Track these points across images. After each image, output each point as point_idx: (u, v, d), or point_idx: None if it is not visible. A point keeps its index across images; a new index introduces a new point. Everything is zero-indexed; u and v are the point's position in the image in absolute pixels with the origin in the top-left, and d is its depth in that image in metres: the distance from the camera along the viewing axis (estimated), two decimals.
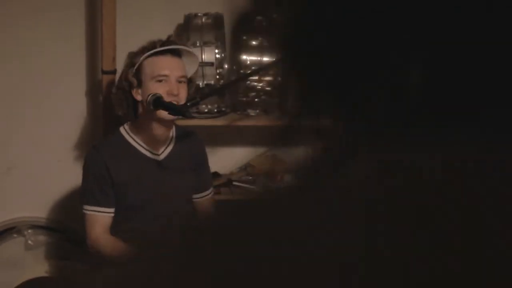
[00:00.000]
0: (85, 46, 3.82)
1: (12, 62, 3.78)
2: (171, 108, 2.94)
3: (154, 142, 3.13)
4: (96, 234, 3.08)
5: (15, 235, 3.88)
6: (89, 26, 3.80)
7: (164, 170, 3.14)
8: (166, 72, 3.02)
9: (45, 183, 3.88)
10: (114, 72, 3.50)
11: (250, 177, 3.83)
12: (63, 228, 3.91)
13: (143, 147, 3.13)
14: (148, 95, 2.98)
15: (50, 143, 3.86)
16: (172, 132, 3.20)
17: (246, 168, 3.93)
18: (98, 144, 3.23)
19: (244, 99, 3.62)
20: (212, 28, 3.59)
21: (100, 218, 3.09)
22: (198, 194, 3.32)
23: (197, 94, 3.19)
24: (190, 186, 3.25)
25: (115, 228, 3.11)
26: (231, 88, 3.61)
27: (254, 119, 3.69)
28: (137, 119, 3.14)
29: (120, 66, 3.43)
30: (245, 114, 3.68)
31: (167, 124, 3.09)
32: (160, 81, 3.01)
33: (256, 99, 3.62)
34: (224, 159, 3.84)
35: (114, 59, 3.49)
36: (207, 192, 3.37)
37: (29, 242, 3.87)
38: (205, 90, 3.45)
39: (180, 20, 3.66)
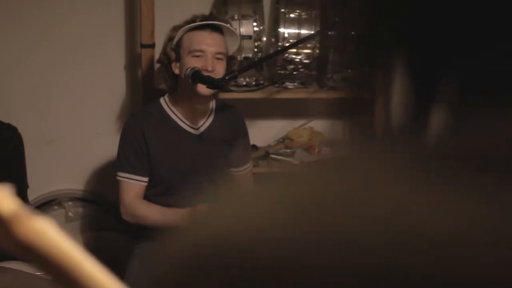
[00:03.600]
0: (123, 19, 3.83)
1: (51, 34, 3.81)
2: (208, 81, 2.93)
3: (193, 115, 3.14)
4: (130, 200, 3.09)
5: (55, 207, 3.92)
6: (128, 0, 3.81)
7: (203, 144, 3.15)
8: (202, 47, 3.01)
9: (85, 155, 3.93)
10: (152, 46, 3.51)
11: (288, 150, 3.84)
12: (102, 200, 3.95)
13: (182, 120, 3.13)
14: (187, 69, 2.98)
15: (89, 116, 3.90)
16: (212, 105, 3.21)
17: (283, 140, 3.94)
18: (137, 113, 3.24)
19: (282, 71, 3.62)
20: (250, 1, 3.57)
21: (134, 185, 3.10)
22: (237, 168, 3.32)
23: (235, 68, 3.18)
24: (229, 160, 3.26)
25: (152, 201, 3.12)
26: (269, 61, 3.60)
27: (292, 92, 3.69)
28: (176, 91, 3.14)
29: (158, 39, 3.44)
30: (283, 87, 3.68)
31: (205, 98, 3.10)
32: (197, 56, 3.01)
33: (294, 72, 3.61)
34: (262, 132, 3.85)
35: (152, 32, 3.50)
36: (246, 166, 3.37)
37: (70, 214, 3.91)
38: (244, 64, 3.45)
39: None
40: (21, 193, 3.61)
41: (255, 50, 3.54)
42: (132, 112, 3.38)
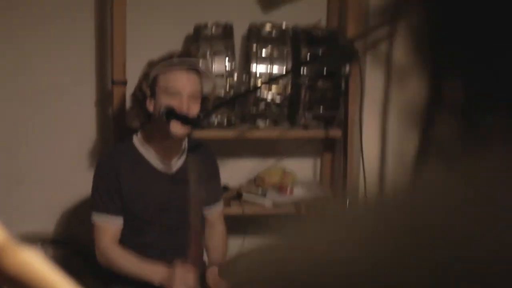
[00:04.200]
0: (95, 56, 3.80)
1: (21, 72, 3.76)
2: (183, 119, 2.91)
3: (166, 154, 3.10)
4: (105, 244, 3.05)
5: None
6: (98, 36, 3.80)
7: (175, 183, 3.11)
8: (178, 87, 2.98)
9: (54, 195, 3.86)
10: (124, 83, 3.48)
11: (260, 190, 3.80)
12: (72, 242, 3.88)
13: (154, 158, 3.10)
14: (161, 107, 2.95)
15: (59, 155, 3.84)
16: (184, 144, 3.18)
17: (255, 180, 3.91)
18: (110, 152, 3.21)
19: (254, 110, 3.60)
20: (221, 38, 3.56)
21: (109, 227, 3.05)
22: (209, 206, 3.29)
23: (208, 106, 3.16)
24: (201, 199, 3.22)
25: (124, 241, 3.07)
26: (242, 99, 3.58)
27: (264, 131, 3.67)
28: (149, 129, 3.11)
29: (130, 76, 3.42)
30: (254, 126, 3.66)
31: (179, 137, 3.06)
32: (172, 95, 2.98)
33: (265, 110, 3.60)
34: (234, 172, 3.82)
35: (124, 69, 3.47)
36: (217, 205, 3.34)
37: None
38: (216, 102, 3.43)
39: (190, 30, 3.64)
40: None
41: (227, 87, 3.52)
42: (104, 151, 3.34)
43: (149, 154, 3.10)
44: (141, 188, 3.06)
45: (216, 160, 3.31)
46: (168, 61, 3.01)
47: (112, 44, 3.52)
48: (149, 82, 3.03)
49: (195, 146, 3.21)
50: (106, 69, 3.80)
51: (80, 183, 3.82)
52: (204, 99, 3.09)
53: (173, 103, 2.96)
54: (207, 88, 3.12)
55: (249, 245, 3.75)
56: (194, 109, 3.01)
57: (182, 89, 2.97)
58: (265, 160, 3.98)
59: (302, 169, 4.00)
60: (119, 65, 3.47)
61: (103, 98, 3.82)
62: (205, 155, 3.23)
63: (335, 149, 3.95)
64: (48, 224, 3.89)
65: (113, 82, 3.51)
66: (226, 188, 3.70)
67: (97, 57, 3.81)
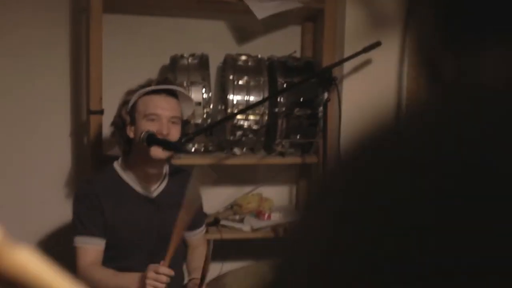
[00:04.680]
0: (70, 86, 3.82)
1: None
2: (164, 143, 2.94)
3: (147, 180, 3.12)
4: (85, 264, 3.03)
5: None
6: (74, 66, 3.81)
7: (156, 208, 3.13)
8: (157, 111, 3.02)
9: (29, 226, 3.83)
10: (101, 112, 3.49)
11: (237, 216, 3.83)
12: None
13: (135, 184, 3.12)
14: (141, 133, 2.97)
15: (34, 185, 3.83)
16: (165, 169, 3.20)
17: (232, 207, 3.93)
18: (90, 177, 3.22)
19: (231, 138, 3.64)
20: (198, 68, 3.60)
21: (91, 250, 3.04)
22: (191, 231, 3.31)
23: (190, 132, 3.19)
24: (185, 224, 3.24)
25: (108, 265, 3.07)
26: (217, 127, 3.61)
27: (241, 158, 3.70)
28: (130, 155, 3.12)
29: (106, 105, 3.44)
30: (231, 154, 3.69)
31: (160, 162, 3.09)
32: (152, 120, 3.01)
33: (242, 138, 3.63)
34: (211, 199, 3.84)
35: (100, 99, 3.48)
36: (199, 229, 3.37)
37: None
38: (195, 128, 3.46)
39: (166, 60, 3.67)
40: None
41: (204, 116, 3.55)
42: (83, 177, 3.35)
43: (130, 179, 3.12)
44: (123, 212, 3.07)
45: (199, 186, 3.33)
46: (146, 88, 3.05)
47: (88, 74, 3.53)
48: (128, 109, 3.06)
49: (176, 171, 3.25)
50: (81, 98, 3.81)
51: (55, 213, 3.83)
52: (184, 124, 3.12)
53: (153, 128, 2.99)
54: (187, 113, 3.15)
55: (227, 269, 3.77)
56: (174, 134, 3.04)
57: (161, 113, 3.01)
58: (242, 187, 4.01)
59: (279, 195, 4.04)
60: (95, 94, 3.48)
61: (79, 127, 3.83)
62: (186, 180, 3.25)
63: (311, 175, 3.99)
64: None
65: (90, 112, 3.51)
66: (204, 215, 3.72)
67: (72, 86, 3.82)
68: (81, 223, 3.05)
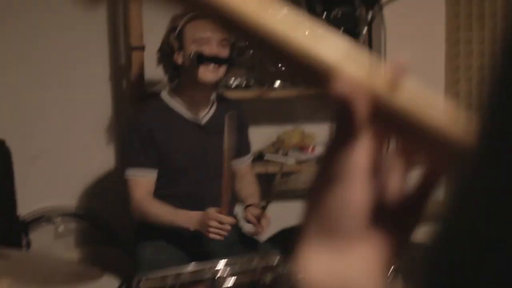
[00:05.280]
0: (107, 27, 3.80)
1: (34, 47, 3.76)
2: (214, 59, 2.93)
3: (195, 106, 3.13)
4: (139, 196, 3.04)
5: (44, 224, 3.83)
6: (110, 7, 3.79)
7: (206, 134, 3.14)
8: (207, 34, 3.01)
9: (72, 169, 3.84)
10: (142, 47, 3.49)
11: (281, 151, 3.82)
12: (92, 215, 3.87)
13: (184, 110, 3.12)
14: (190, 53, 2.97)
15: (75, 129, 3.83)
16: (213, 95, 3.20)
17: (274, 144, 3.92)
18: (141, 108, 3.23)
19: (273, 70, 3.63)
20: None
21: (143, 181, 3.06)
22: (238, 159, 3.31)
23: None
24: (231, 151, 3.24)
25: (158, 193, 3.08)
26: (260, 62, 3.60)
27: (282, 91, 3.69)
28: (178, 82, 3.13)
29: (146, 42, 3.44)
30: (272, 88, 3.69)
31: (208, 86, 3.09)
32: (201, 43, 3.00)
33: (283, 69, 3.62)
34: (253, 137, 3.81)
35: (141, 34, 3.48)
36: (247, 157, 3.37)
37: (59, 230, 3.82)
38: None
39: None
40: (11, 209, 3.51)
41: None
42: (135, 109, 3.35)
43: (179, 107, 3.12)
44: (174, 138, 3.08)
45: (244, 113, 3.34)
46: (194, 13, 3.04)
47: (129, 11, 3.53)
48: (176, 34, 3.05)
49: (223, 99, 3.25)
50: (119, 41, 3.81)
51: (98, 156, 3.84)
52: (232, 45, 3.12)
53: (203, 50, 2.99)
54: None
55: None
56: (224, 55, 3.04)
57: (211, 36, 3.00)
58: (283, 125, 3.99)
59: (320, 132, 4.03)
60: (136, 30, 3.48)
61: (118, 68, 3.83)
62: (233, 108, 3.26)
63: None
64: (67, 198, 3.87)
65: (131, 48, 3.51)
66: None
67: (109, 29, 3.81)
68: (134, 155, 3.07)
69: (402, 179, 0.61)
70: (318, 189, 0.59)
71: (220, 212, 2.84)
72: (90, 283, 2.78)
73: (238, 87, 3.64)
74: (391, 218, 0.59)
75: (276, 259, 2.33)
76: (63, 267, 2.50)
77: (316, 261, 0.56)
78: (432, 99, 0.59)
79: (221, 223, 2.81)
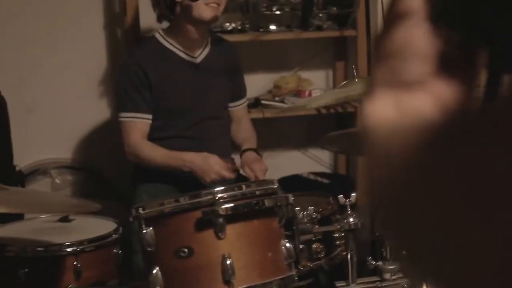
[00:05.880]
0: None
1: (28, 2, 3.71)
2: None
3: (190, 45, 3.08)
4: (134, 139, 3.01)
5: (40, 177, 3.80)
6: None
7: (201, 73, 3.10)
8: None
9: (67, 122, 3.81)
10: None
11: (277, 98, 3.79)
12: (88, 166, 3.84)
13: (179, 49, 3.07)
14: None
15: (70, 80, 3.79)
16: (208, 37, 3.16)
17: (271, 91, 3.89)
18: (133, 49, 3.18)
19: (268, 12, 3.59)
20: None
21: (138, 124, 3.02)
22: (233, 102, 3.27)
23: None
24: (226, 91, 3.21)
25: (153, 135, 3.04)
26: (254, 3, 3.56)
27: (277, 34, 3.66)
28: (173, 21, 3.08)
29: None
30: (267, 30, 3.65)
31: (204, 26, 3.04)
32: None
33: (279, 12, 3.59)
34: (250, 84, 3.76)
35: None
36: (242, 100, 3.33)
37: (56, 181, 3.79)
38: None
39: None
40: (8, 160, 3.48)
41: None
42: (126, 51, 3.30)
43: (174, 46, 3.08)
44: (168, 78, 3.03)
45: (239, 55, 3.30)
46: None
47: None
48: None
49: (218, 40, 3.21)
50: None
51: (92, 109, 3.80)
52: None
53: None
54: None
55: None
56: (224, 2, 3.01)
57: None
58: (279, 72, 3.96)
59: (316, 78, 3.99)
60: None
61: (112, 18, 3.78)
62: (228, 49, 3.23)
63: (348, 58, 3.95)
64: (64, 150, 3.83)
65: None
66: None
67: None
68: (129, 98, 3.02)
69: None
70: (384, 37, 0.58)
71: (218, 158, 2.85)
72: (86, 218, 2.77)
73: (233, 30, 3.59)
74: (455, 67, 0.57)
75: (275, 185, 2.30)
76: (61, 199, 2.48)
77: (378, 108, 0.56)
78: None
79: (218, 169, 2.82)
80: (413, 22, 0.55)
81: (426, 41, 0.56)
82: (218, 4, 2.97)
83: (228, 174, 2.87)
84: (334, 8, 3.61)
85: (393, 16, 0.57)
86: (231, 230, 2.14)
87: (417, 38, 0.56)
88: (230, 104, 3.26)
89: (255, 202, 2.20)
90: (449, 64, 0.57)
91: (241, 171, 3.15)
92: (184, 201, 2.19)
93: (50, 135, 3.80)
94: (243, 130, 3.28)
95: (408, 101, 0.55)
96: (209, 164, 2.87)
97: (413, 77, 0.55)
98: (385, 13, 0.59)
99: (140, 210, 2.20)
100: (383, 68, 0.57)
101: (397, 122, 0.54)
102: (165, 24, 3.17)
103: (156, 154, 2.98)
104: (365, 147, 0.55)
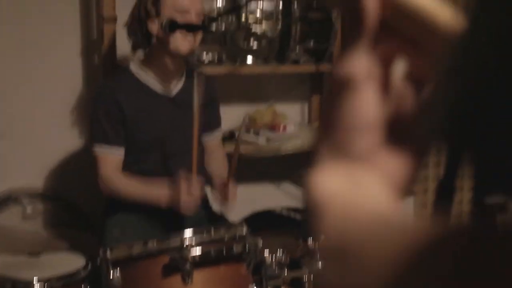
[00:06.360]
0: (78, 1, 3.72)
1: (2, 22, 3.67)
2: (187, 26, 2.88)
3: (166, 76, 3.07)
4: (107, 172, 2.98)
5: (11, 205, 3.75)
6: None
7: (176, 107, 3.08)
8: (187, 5, 2.95)
9: (40, 149, 3.76)
10: (115, 19, 3.42)
11: (252, 130, 3.77)
12: (60, 196, 3.80)
13: (154, 82, 3.06)
14: (163, 21, 2.90)
15: (44, 107, 3.75)
16: (183, 69, 3.14)
17: (246, 123, 3.87)
18: (107, 81, 3.16)
19: (245, 45, 3.59)
20: None
21: (111, 157, 3.00)
22: (208, 133, 3.26)
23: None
24: (201, 123, 3.19)
25: (126, 169, 3.02)
26: (232, 36, 3.55)
27: (254, 67, 3.66)
28: (149, 52, 3.06)
29: (119, 13, 3.38)
30: (245, 64, 3.65)
31: (180, 57, 3.03)
32: (179, 12, 2.94)
33: (255, 45, 3.59)
34: (225, 116, 3.76)
35: (114, 5, 3.41)
36: (216, 132, 3.32)
37: (27, 211, 3.75)
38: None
39: None
40: None
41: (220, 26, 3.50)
42: (100, 83, 3.28)
43: (148, 78, 3.06)
44: (142, 112, 3.02)
45: (216, 86, 3.29)
46: None
47: None
48: (154, 1, 2.98)
49: (193, 72, 3.20)
50: (91, 16, 3.73)
51: (66, 135, 3.76)
52: (205, 16, 3.06)
53: (183, 20, 2.92)
54: (206, 6, 3.11)
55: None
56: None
57: (191, 6, 2.94)
58: (255, 104, 3.95)
59: (291, 112, 3.99)
60: (109, 0, 3.41)
61: (89, 44, 3.76)
62: (204, 80, 3.21)
63: (324, 92, 3.95)
64: (36, 178, 3.79)
65: (103, 19, 3.44)
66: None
67: (80, 3, 3.73)
68: (100, 131, 3.00)
69: (411, 101, 0.59)
70: (330, 105, 0.57)
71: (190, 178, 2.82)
72: (55, 253, 2.74)
73: (210, 62, 3.59)
74: (403, 140, 0.57)
75: (243, 230, 2.28)
76: (29, 238, 2.46)
77: (329, 179, 0.55)
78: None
79: (190, 191, 2.79)
80: (360, 91, 0.55)
81: (375, 111, 0.55)
82: (194, 37, 2.96)
83: (196, 192, 2.83)
84: (311, 42, 3.61)
85: (339, 84, 0.56)
86: (199, 275, 2.13)
87: (365, 108, 0.55)
88: (204, 136, 3.25)
89: (223, 248, 2.19)
90: (397, 136, 0.56)
91: (212, 206, 3.14)
92: (152, 245, 2.17)
93: (22, 162, 3.75)
94: (216, 164, 3.27)
95: (358, 174, 0.54)
96: (179, 190, 2.83)
97: (361, 150, 0.55)
98: (329, 80, 0.58)
99: (108, 252, 2.18)
100: (331, 139, 0.56)
101: (349, 197, 0.54)
102: (140, 54, 3.16)
103: (130, 187, 2.96)
104: (315, 218, 0.54)
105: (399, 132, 0.56)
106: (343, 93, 0.55)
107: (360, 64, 0.55)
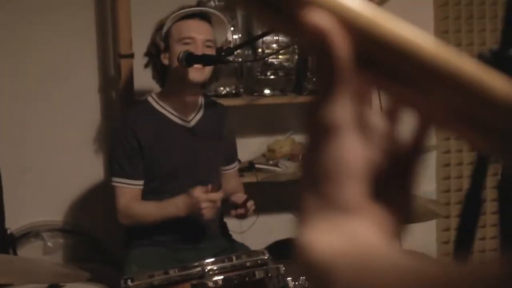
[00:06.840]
0: (95, 40, 3.77)
1: (22, 59, 3.72)
2: (204, 58, 2.90)
3: (183, 109, 3.09)
4: (124, 203, 3.00)
5: (32, 239, 3.77)
6: (98, 18, 3.77)
7: (194, 137, 3.10)
8: (192, 34, 2.99)
9: (61, 184, 3.79)
10: (131, 56, 3.46)
11: (271, 161, 3.78)
12: (80, 230, 3.81)
13: (172, 113, 3.08)
14: (179, 53, 2.93)
15: (64, 142, 3.78)
16: (201, 100, 3.17)
17: (265, 155, 3.89)
18: (126, 114, 3.18)
19: (262, 77, 3.61)
20: (225, 9, 3.58)
21: (128, 190, 3.01)
22: (226, 166, 3.27)
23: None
24: (219, 155, 3.20)
25: (145, 198, 3.04)
26: (248, 68, 3.58)
27: (271, 98, 3.67)
28: (166, 86, 3.10)
29: (136, 50, 3.42)
30: (261, 95, 3.67)
31: (196, 89, 3.05)
32: (187, 43, 2.98)
33: (272, 76, 3.61)
34: (244, 148, 3.76)
35: (130, 42, 3.46)
36: (234, 164, 3.33)
37: (48, 244, 3.76)
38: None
39: (193, 3, 3.64)
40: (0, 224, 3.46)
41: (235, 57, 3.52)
42: (120, 116, 3.31)
43: (167, 110, 3.09)
44: (161, 142, 3.04)
45: (232, 119, 3.30)
46: (180, 12, 3.03)
47: (117, 18, 3.49)
48: (163, 35, 3.03)
49: (211, 103, 3.22)
50: (108, 53, 3.78)
51: (87, 169, 3.78)
52: (219, 50, 3.09)
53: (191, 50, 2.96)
54: (220, 39, 3.13)
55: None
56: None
57: (196, 36, 2.98)
58: (273, 135, 3.96)
59: None
60: (125, 36, 3.46)
61: (107, 80, 3.79)
62: (221, 113, 3.23)
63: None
64: (56, 212, 3.81)
65: (120, 56, 3.48)
66: (238, 161, 3.68)
67: (98, 41, 3.78)
68: (119, 165, 3.02)
69: (391, 140, 0.56)
70: (310, 156, 0.53)
71: (206, 190, 2.82)
72: (77, 285, 2.74)
73: (227, 94, 3.61)
74: (388, 189, 0.54)
75: (265, 256, 2.28)
76: (50, 270, 2.46)
77: (324, 239, 0.51)
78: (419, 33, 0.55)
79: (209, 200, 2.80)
80: (342, 138, 0.51)
81: (359, 159, 0.51)
82: (203, 67, 2.98)
83: (213, 196, 2.83)
84: None
85: (319, 130, 0.52)
86: None
87: (349, 157, 0.51)
88: (222, 169, 3.26)
89: (245, 274, 2.18)
90: (383, 184, 0.53)
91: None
92: (173, 273, 2.17)
93: (43, 197, 3.78)
94: (233, 185, 3.27)
95: (350, 226, 0.51)
96: (196, 198, 2.84)
97: (349, 201, 0.51)
98: (306, 125, 0.54)
99: (129, 282, 2.18)
100: (315, 193, 0.52)
101: (353, 254, 0.50)
102: (157, 87, 3.19)
103: (148, 207, 2.98)
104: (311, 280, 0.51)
105: (383, 182, 0.53)
106: (325, 141, 0.51)
107: (343, 110, 0.51)
